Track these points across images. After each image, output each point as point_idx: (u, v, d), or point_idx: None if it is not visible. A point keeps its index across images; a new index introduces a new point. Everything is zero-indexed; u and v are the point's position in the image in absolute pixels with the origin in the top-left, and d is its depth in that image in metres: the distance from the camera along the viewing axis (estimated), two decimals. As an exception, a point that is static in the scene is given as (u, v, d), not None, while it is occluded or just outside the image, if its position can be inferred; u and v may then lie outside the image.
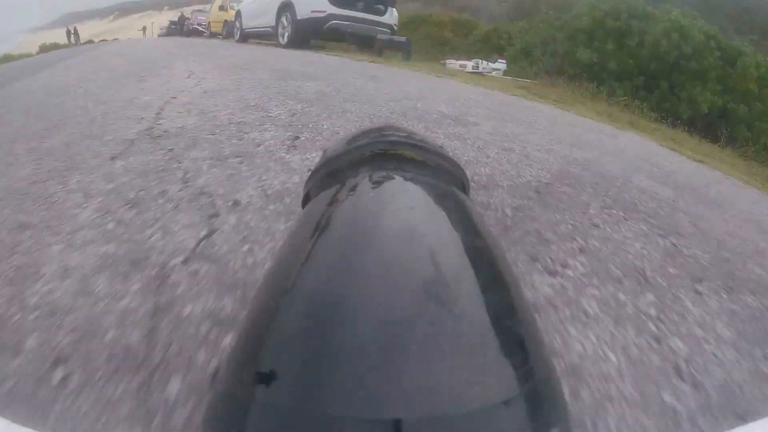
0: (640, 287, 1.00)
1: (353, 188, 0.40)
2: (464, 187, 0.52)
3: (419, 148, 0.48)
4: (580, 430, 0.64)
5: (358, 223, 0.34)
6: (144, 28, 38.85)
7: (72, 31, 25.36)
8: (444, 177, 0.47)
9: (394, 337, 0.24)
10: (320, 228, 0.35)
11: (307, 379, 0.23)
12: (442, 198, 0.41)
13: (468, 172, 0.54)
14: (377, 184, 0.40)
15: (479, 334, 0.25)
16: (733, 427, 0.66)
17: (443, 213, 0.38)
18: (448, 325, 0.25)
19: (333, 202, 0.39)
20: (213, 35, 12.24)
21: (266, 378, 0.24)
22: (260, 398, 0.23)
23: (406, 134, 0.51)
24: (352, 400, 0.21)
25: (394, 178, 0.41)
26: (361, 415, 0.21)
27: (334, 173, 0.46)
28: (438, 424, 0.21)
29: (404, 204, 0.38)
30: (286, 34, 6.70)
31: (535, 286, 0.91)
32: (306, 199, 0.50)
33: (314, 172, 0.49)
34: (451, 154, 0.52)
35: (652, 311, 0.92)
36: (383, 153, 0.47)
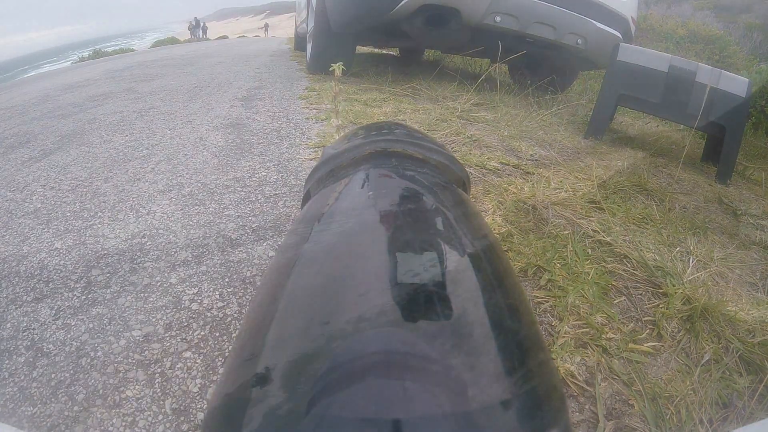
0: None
1: (352, 187, 0.40)
2: (464, 185, 0.52)
3: (419, 146, 0.48)
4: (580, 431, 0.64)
5: (357, 223, 0.34)
6: (266, 26, 43.10)
7: (195, 24, 28.49)
8: (444, 174, 0.47)
9: (394, 337, 0.23)
10: (319, 227, 0.35)
11: (308, 380, 0.22)
12: (441, 196, 0.41)
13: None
14: (377, 182, 0.40)
15: (479, 334, 0.25)
16: (733, 428, 0.65)
17: (443, 211, 0.38)
18: (447, 325, 0.25)
19: (332, 201, 0.38)
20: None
21: (267, 378, 0.23)
22: (261, 399, 0.23)
23: (405, 132, 0.51)
24: (353, 400, 0.21)
25: (393, 177, 0.41)
26: (363, 416, 0.21)
27: (334, 172, 0.46)
28: (437, 425, 0.20)
29: (403, 202, 0.37)
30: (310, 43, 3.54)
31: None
32: (306, 198, 0.49)
33: (314, 171, 0.49)
34: (451, 151, 0.52)
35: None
36: (382, 151, 0.46)
